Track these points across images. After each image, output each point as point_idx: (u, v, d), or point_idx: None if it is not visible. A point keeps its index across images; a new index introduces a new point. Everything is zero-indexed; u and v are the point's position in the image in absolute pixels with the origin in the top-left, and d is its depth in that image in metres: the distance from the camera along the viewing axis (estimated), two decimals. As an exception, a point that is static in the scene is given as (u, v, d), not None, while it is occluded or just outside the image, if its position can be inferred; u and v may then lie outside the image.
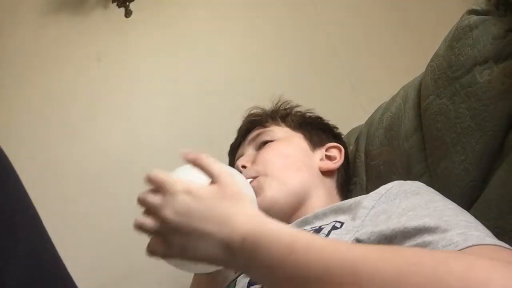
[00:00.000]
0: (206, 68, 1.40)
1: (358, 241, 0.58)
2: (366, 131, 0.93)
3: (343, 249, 0.47)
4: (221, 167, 0.59)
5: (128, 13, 1.42)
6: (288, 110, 0.96)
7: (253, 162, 0.85)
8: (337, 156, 0.90)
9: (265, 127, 0.92)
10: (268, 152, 0.85)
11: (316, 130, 0.93)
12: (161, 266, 0.68)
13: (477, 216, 0.57)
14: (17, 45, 1.42)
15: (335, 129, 0.98)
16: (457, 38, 0.72)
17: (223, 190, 0.56)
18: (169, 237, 0.55)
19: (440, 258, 0.42)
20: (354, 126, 1.03)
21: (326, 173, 0.87)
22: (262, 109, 0.98)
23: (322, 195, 0.83)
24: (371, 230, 0.57)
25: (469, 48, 0.70)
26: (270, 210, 0.74)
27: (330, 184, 0.88)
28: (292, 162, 0.84)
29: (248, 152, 0.89)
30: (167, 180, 0.57)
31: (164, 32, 1.42)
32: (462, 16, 0.74)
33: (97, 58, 1.40)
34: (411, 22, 1.40)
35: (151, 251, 0.57)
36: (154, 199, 0.56)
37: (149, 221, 0.56)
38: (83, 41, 1.41)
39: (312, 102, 1.00)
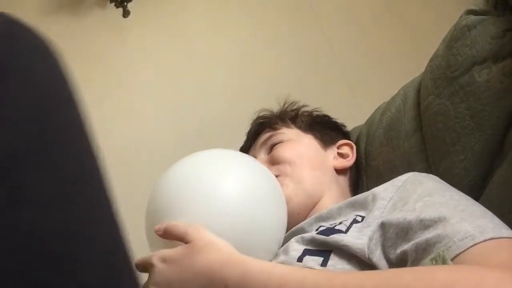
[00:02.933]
0: (204, 68, 1.40)
1: (383, 224, 0.58)
2: (366, 132, 0.94)
3: (339, 280, 0.46)
4: (186, 226, 0.60)
5: (126, 13, 1.42)
6: (296, 111, 0.96)
7: (269, 163, 0.85)
8: (350, 153, 0.90)
9: (275, 129, 0.91)
10: (284, 151, 0.84)
11: (326, 129, 0.93)
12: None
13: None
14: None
15: (343, 127, 0.98)
16: (455, 38, 0.73)
17: (193, 246, 0.57)
18: None
19: (450, 279, 0.41)
20: (352, 127, 1.04)
21: (340, 171, 0.87)
22: (271, 111, 0.98)
23: (335, 193, 0.82)
24: (389, 219, 0.57)
25: (468, 48, 0.70)
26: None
27: (344, 182, 0.88)
28: (307, 161, 0.84)
29: (260, 156, 0.89)
30: (143, 259, 0.61)
31: (162, 32, 1.42)
32: (461, 16, 0.75)
33: (94, 58, 1.40)
34: (410, 23, 1.40)
35: None
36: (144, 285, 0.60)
37: None
38: (81, 41, 1.41)
39: (310, 103, 1.01)
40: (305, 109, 0.98)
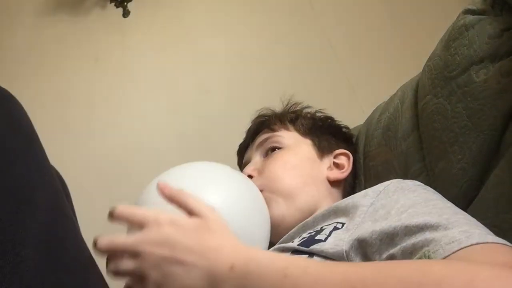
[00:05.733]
0: (204, 68, 1.40)
1: (358, 241, 0.57)
2: (365, 132, 0.93)
3: (341, 271, 0.46)
4: (200, 202, 0.57)
5: (126, 13, 1.42)
6: (297, 113, 0.94)
7: (260, 171, 0.84)
8: (345, 164, 0.87)
9: (274, 130, 0.90)
10: (274, 165, 0.83)
11: (326, 135, 0.91)
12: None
13: (474, 215, 0.57)
14: (15, 45, 1.42)
15: (346, 131, 0.96)
16: (453, 38, 0.73)
17: (207, 223, 0.55)
18: (147, 273, 0.52)
19: (441, 275, 0.41)
20: (352, 126, 1.04)
21: (333, 182, 0.85)
22: (272, 110, 0.97)
23: (328, 206, 0.79)
24: (372, 228, 0.57)
25: (465, 47, 0.70)
26: (279, 227, 0.75)
27: (337, 193, 0.86)
28: (299, 176, 0.82)
29: (255, 159, 0.88)
30: (147, 213, 0.55)
31: (162, 32, 1.43)
32: (458, 15, 0.74)
33: (95, 58, 1.40)
34: (409, 22, 1.40)
35: None
36: (129, 239, 0.54)
37: (125, 263, 0.53)
38: (81, 41, 1.42)
39: (310, 103, 1.00)
40: (308, 110, 0.96)
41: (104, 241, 0.54)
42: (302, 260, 0.52)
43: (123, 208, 0.56)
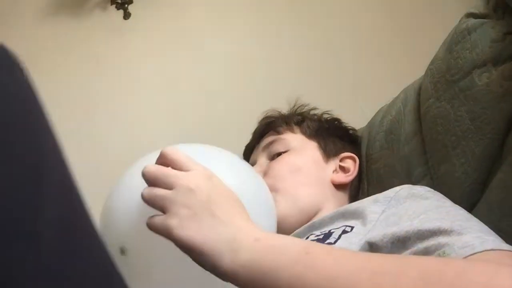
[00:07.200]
0: (205, 70, 1.40)
1: (369, 244, 0.57)
2: (367, 135, 0.93)
3: (361, 256, 0.47)
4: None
5: (126, 15, 1.42)
6: (304, 115, 0.94)
7: (265, 173, 0.84)
8: (351, 167, 0.87)
9: (279, 133, 0.90)
10: (279, 166, 0.83)
11: (333, 137, 0.90)
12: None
13: (478, 219, 0.57)
14: (15, 46, 1.41)
15: (352, 133, 0.96)
16: (455, 42, 0.73)
17: (236, 197, 0.56)
18: (176, 208, 0.51)
19: (462, 268, 0.41)
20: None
21: (338, 186, 0.85)
22: (278, 112, 0.96)
23: (332, 208, 0.80)
24: (384, 232, 0.57)
25: (468, 51, 0.70)
26: (280, 226, 0.74)
27: (342, 197, 0.86)
28: (303, 177, 0.83)
29: (261, 161, 0.88)
30: (190, 159, 0.56)
31: (163, 34, 1.42)
32: (461, 19, 0.75)
33: (95, 60, 1.40)
34: (411, 25, 1.40)
35: (151, 222, 0.53)
36: (171, 171, 0.55)
37: (159, 190, 0.53)
38: (81, 43, 1.41)
39: (311, 104, 1.00)
40: (315, 112, 0.96)
41: (152, 167, 0.55)
42: (323, 244, 0.53)
43: (179, 154, 0.57)
